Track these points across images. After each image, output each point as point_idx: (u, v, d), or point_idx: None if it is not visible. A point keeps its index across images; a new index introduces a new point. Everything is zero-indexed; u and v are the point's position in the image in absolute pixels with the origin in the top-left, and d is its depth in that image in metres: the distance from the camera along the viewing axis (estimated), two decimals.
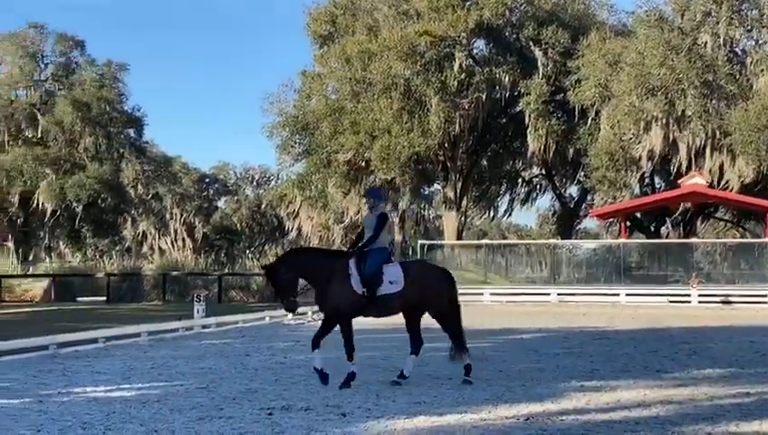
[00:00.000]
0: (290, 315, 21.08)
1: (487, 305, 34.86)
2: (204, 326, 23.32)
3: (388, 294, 12.56)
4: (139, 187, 56.95)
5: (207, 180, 73.08)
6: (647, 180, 44.57)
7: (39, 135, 51.04)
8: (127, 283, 42.64)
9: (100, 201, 51.70)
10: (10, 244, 51.92)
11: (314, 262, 12.71)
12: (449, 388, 12.33)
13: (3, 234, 52.89)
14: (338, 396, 11.57)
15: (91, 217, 53.20)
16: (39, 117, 50.87)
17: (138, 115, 54.94)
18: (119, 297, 40.74)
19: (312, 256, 13.26)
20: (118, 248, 55.76)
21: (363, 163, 41.04)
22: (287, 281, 12.43)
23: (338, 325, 12.72)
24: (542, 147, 41.07)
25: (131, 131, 55.66)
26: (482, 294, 36.88)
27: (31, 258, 50.75)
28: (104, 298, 40.63)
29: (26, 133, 51.62)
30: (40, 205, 50.11)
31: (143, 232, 62.27)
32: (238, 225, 68.92)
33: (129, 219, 59.32)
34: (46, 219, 52.33)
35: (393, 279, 12.57)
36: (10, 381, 13.26)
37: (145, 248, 61.48)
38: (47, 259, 52.07)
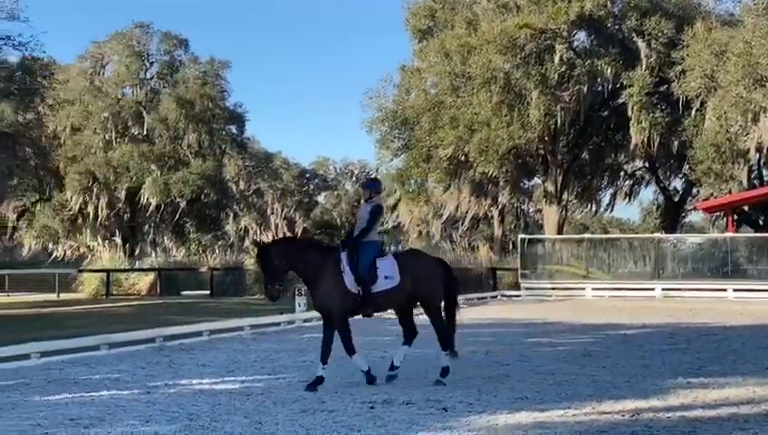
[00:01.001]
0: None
1: (590, 301, 34.41)
2: (305, 320, 23.50)
3: (383, 290, 12.03)
4: (241, 182, 57.77)
5: (308, 176, 73.77)
6: (755, 172, 43.33)
7: (145, 132, 52.17)
8: (229, 277, 43.21)
9: (203, 197, 52.59)
10: (117, 239, 53.21)
11: (307, 256, 12.07)
12: (552, 383, 12.17)
13: (111, 229, 54.22)
14: (439, 391, 11.52)
15: (194, 213, 54.21)
16: (145, 114, 51.98)
17: (239, 112, 55.72)
18: (222, 291, 41.34)
19: (306, 248, 12.54)
20: (220, 243, 56.65)
21: (463, 157, 40.86)
22: (276, 267, 11.83)
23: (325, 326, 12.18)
24: (646, 139, 40.24)
25: (233, 128, 56.47)
26: (584, 289, 36.44)
27: (137, 253, 51.90)
28: (207, 292, 41.28)
29: (133, 131, 52.78)
30: (146, 200, 51.25)
31: (245, 227, 63.24)
32: (338, 219, 69.39)
33: (232, 214, 60.20)
34: (151, 214, 53.51)
35: (388, 274, 12.06)
36: (119, 372, 13.58)
37: (247, 243, 62.35)
38: (153, 254, 53.23)
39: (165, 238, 57.39)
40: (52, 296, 39.95)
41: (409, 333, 12.81)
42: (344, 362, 14.66)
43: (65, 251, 54.86)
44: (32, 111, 31.60)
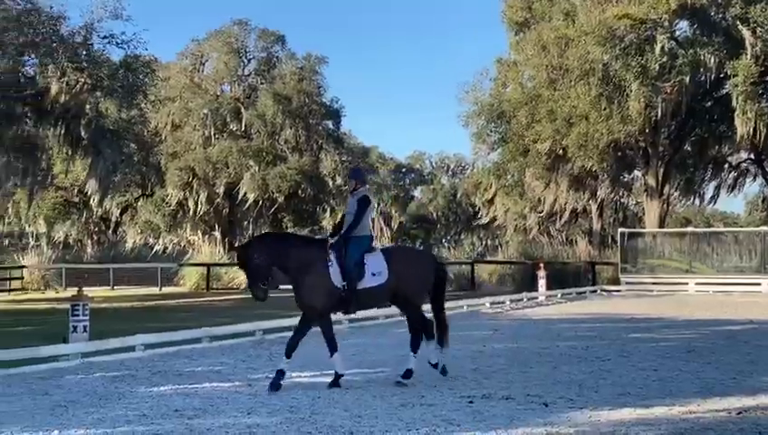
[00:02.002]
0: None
1: (693, 296, 33.69)
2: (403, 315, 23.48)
3: (370, 287, 11.49)
4: (338, 177, 58.05)
5: (404, 170, 73.87)
6: None
7: (243, 128, 52.91)
8: None
9: (300, 192, 53.10)
10: (217, 233, 54.07)
11: (289, 250, 11.51)
12: (655, 380, 11.93)
13: (210, 223, 55.13)
14: (539, 386, 11.40)
15: (291, 208, 54.78)
16: (243, 111, 52.71)
17: (336, 107, 56.07)
18: None
19: (288, 243, 11.97)
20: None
21: (561, 151, 40.37)
22: (258, 267, 11.27)
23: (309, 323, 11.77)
24: (751, 130, 39.12)
25: (330, 123, 56.87)
26: (686, 283, 35.69)
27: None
28: None
29: (231, 127, 53.59)
30: (244, 195, 51.98)
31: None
32: (434, 214, 69.34)
33: (328, 209, 60.62)
34: (249, 209, 54.26)
35: (376, 270, 11.52)
36: (221, 364, 13.78)
37: None
38: None
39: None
40: (155, 290, 40.79)
41: (426, 327, 12.13)
42: (427, 362, 14.61)
43: (166, 245, 56.00)
44: (134, 107, 32.28)
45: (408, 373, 11.67)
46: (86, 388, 11.50)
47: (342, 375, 11.51)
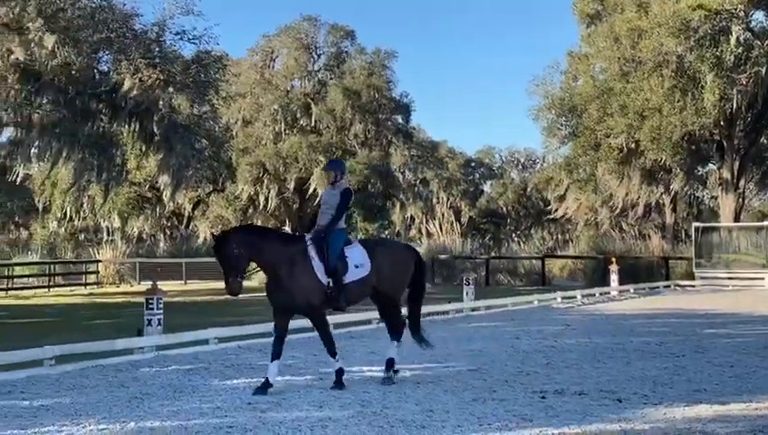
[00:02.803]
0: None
1: None
2: (473, 309, 23.47)
3: (355, 280, 11.15)
4: (407, 172, 58.08)
5: (473, 164, 73.53)
6: None
7: (312, 123, 53.17)
8: None
9: (369, 186, 53.20)
10: (287, 228, 54.43)
11: (271, 244, 10.92)
12: (731, 376, 11.72)
13: (281, 218, 55.55)
14: (612, 381, 11.27)
15: (360, 202, 54.92)
16: (312, 106, 52.95)
17: (405, 102, 56.01)
18: None
19: (269, 236, 11.27)
20: (387, 232, 57.14)
21: (633, 145, 39.81)
22: (237, 258, 10.64)
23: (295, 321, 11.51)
24: None
25: (399, 118, 56.84)
26: (763, 278, 34.95)
27: None
28: None
29: (301, 122, 53.87)
30: (314, 190, 52.24)
31: (411, 216, 63.64)
32: (504, 208, 69.00)
33: (398, 204, 60.69)
34: (319, 204, 54.51)
35: (359, 263, 11.20)
36: (292, 358, 13.85)
37: (413, 232, 62.74)
38: None
39: None
40: None
41: (397, 325, 11.92)
42: (508, 355, 14.56)
43: None
44: (206, 103, 32.58)
45: (390, 363, 11.60)
46: (161, 380, 11.66)
47: (342, 371, 11.13)
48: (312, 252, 10.96)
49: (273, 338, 11.15)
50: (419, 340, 12.15)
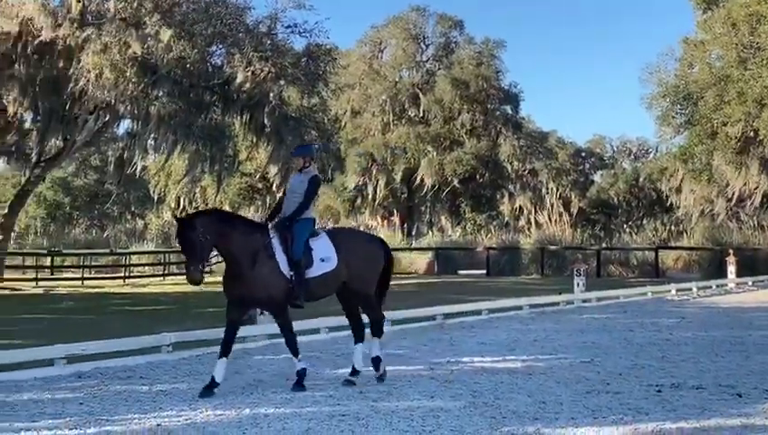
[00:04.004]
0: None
1: None
2: (584, 300, 23.16)
3: (318, 275, 10.31)
4: (516, 162, 57.56)
5: (583, 154, 72.38)
6: None
7: (421, 114, 53.24)
8: (505, 256, 43.30)
9: (477, 177, 53.05)
10: (395, 219, 54.65)
11: (235, 232, 10.07)
12: None
13: (389, 209, 55.79)
14: (731, 376, 10.99)
15: (469, 193, 54.77)
16: (421, 96, 53.02)
17: (514, 91, 55.73)
18: (497, 271, 41.52)
19: (234, 223, 10.37)
20: (495, 223, 56.77)
21: (752, 133, 38.61)
22: (201, 244, 9.79)
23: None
24: None
25: (508, 108, 56.55)
26: None
27: (414, 232, 53.07)
28: (484, 271, 41.59)
29: (409, 112, 54.04)
30: (421, 181, 52.31)
31: (520, 206, 63.03)
32: (615, 199, 67.68)
33: (507, 194, 60.27)
34: (427, 194, 54.57)
35: (324, 256, 10.35)
36: (402, 348, 13.89)
37: (522, 222, 62.17)
38: (429, 233, 54.23)
39: (441, 218, 58.35)
40: None
41: (360, 327, 11.10)
42: (622, 347, 14.31)
43: None
44: (316, 95, 32.92)
45: (376, 362, 10.75)
46: (273, 368, 11.81)
47: (304, 372, 10.25)
48: (276, 242, 10.20)
49: (223, 334, 10.22)
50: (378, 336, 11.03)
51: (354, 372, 10.62)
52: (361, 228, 56.79)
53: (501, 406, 9.12)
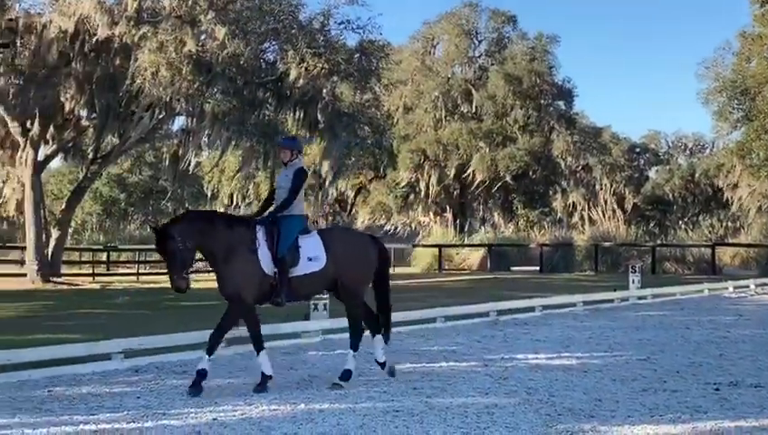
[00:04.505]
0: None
1: None
2: (639, 297, 22.93)
3: (304, 275, 9.99)
4: (569, 158, 57.15)
5: (638, 150, 71.72)
6: None
7: (473, 110, 53.10)
8: (559, 253, 43.01)
9: (530, 173, 52.79)
10: (448, 214, 54.56)
11: (215, 230, 9.85)
12: None
13: (441, 205, 55.68)
14: None
15: (521, 189, 54.50)
16: (473, 92, 52.88)
17: (568, 87, 55.40)
18: (551, 267, 41.26)
19: (213, 223, 10.03)
20: (548, 219, 56.42)
21: None
22: (182, 252, 9.59)
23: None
24: None
25: (561, 103, 56.18)
26: None
27: (466, 229, 52.97)
28: (537, 268, 41.37)
29: (462, 108, 53.93)
30: (474, 177, 52.17)
31: (573, 203, 62.62)
32: (670, 195, 66.94)
33: (560, 190, 59.92)
34: (480, 191, 54.42)
35: (313, 255, 10.01)
36: (456, 344, 13.86)
37: (575, 219, 61.74)
38: (482, 229, 54.08)
39: (494, 214, 58.15)
40: None
41: (370, 320, 10.69)
42: (678, 345, 14.14)
43: (397, 226, 57.00)
44: (368, 91, 32.95)
45: (346, 374, 10.17)
46: (327, 364, 11.83)
47: (270, 377, 9.89)
48: (261, 238, 9.89)
49: (251, 335, 10.11)
50: (386, 338, 10.79)
51: (384, 365, 10.58)
52: (413, 225, 56.92)
53: (556, 403, 9.07)
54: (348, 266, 10.21)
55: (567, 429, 7.98)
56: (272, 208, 10.28)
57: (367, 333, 10.71)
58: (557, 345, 13.78)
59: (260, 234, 9.90)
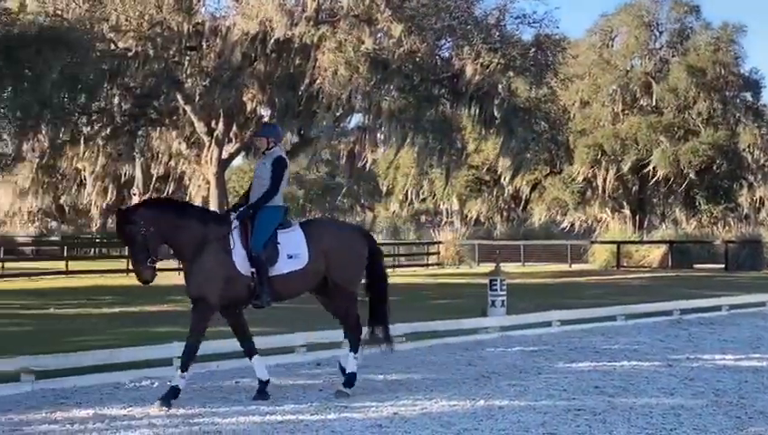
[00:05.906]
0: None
1: None
2: None
3: (285, 274, 9.10)
4: (756, 151, 54.84)
5: None
6: None
7: (653, 103, 51.72)
8: (746, 250, 41.26)
9: (714, 167, 51.01)
10: (626, 211, 53.39)
11: (183, 223, 8.96)
12: None
13: (619, 201, 54.50)
14: None
15: (704, 184, 52.71)
16: (653, 85, 51.51)
17: (755, 78, 53.31)
18: (737, 265, 39.67)
19: (183, 215, 9.15)
20: (733, 215, 54.31)
21: None
22: (144, 238, 8.71)
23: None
24: None
25: (748, 95, 54.08)
26: None
27: (646, 225, 51.64)
28: (722, 266, 39.92)
29: (641, 102, 52.63)
30: (654, 172, 50.81)
31: (760, 198, 60.08)
32: None
33: (746, 185, 57.62)
34: (660, 186, 52.97)
35: (294, 252, 9.09)
36: (638, 343, 13.54)
37: (762, 215, 59.23)
38: (662, 226, 52.60)
39: (674, 210, 56.48)
40: (564, 267, 41.14)
41: (355, 331, 9.73)
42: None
43: (573, 222, 56.16)
44: (545, 86, 32.55)
45: (350, 379, 9.47)
46: (506, 360, 11.76)
47: (176, 391, 8.83)
48: (236, 235, 9.04)
49: (189, 345, 9.05)
50: (386, 339, 10.01)
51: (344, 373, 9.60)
52: (589, 221, 55.93)
53: (746, 405, 8.73)
54: (337, 264, 9.37)
55: (759, 432, 7.67)
56: (252, 201, 9.35)
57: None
58: (745, 346, 13.26)
59: (236, 230, 9.08)
